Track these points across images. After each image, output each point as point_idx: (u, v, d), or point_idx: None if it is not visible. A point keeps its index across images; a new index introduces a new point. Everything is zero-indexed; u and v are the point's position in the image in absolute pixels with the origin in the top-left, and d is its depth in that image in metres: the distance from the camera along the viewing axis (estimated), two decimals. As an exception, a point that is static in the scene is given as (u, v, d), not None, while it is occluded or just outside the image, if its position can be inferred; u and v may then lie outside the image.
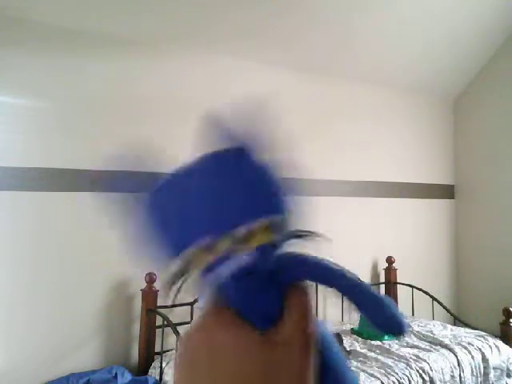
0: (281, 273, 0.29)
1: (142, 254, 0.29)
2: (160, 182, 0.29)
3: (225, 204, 0.27)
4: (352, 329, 2.49)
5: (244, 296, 0.28)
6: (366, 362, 2.03)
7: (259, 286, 0.28)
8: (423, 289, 2.83)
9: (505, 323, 2.36)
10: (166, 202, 0.29)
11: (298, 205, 0.29)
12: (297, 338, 0.26)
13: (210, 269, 0.27)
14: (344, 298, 0.29)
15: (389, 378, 1.87)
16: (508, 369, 2.25)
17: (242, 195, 0.27)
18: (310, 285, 0.29)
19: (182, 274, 0.28)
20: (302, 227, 0.29)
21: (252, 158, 0.29)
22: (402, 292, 2.95)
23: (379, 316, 0.28)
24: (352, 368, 1.95)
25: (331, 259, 0.30)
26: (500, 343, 2.30)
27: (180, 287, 0.29)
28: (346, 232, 2.89)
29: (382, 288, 3.02)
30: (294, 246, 0.30)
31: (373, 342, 2.28)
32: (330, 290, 0.29)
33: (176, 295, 0.29)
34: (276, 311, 0.28)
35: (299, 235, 0.29)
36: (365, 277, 2.95)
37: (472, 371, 2.13)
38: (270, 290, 0.28)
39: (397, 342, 2.31)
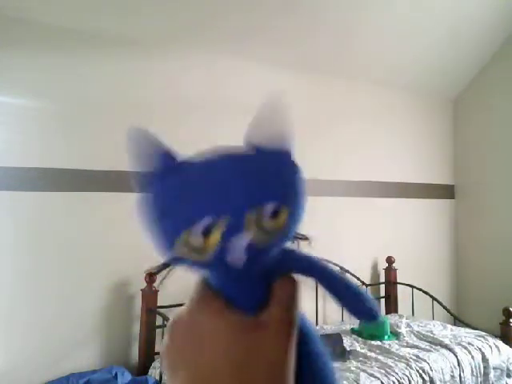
0: (271, 263, 0.28)
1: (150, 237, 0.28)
2: (167, 167, 0.28)
3: (226, 190, 0.26)
4: (352, 329, 2.49)
5: (233, 283, 0.28)
6: (366, 362, 2.03)
7: (249, 274, 0.28)
8: (423, 289, 2.82)
9: (505, 323, 2.36)
10: (170, 187, 0.27)
11: (300, 200, 0.28)
12: (278, 324, 0.27)
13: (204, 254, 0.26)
14: (324, 289, 0.30)
15: (389, 378, 1.87)
16: (508, 369, 2.25)
17: (245, 182, 0.26)
18: (302, 278, 0.30)
19: (173, 260, 0.28)
20: (299, 224, 0.29)
21: (264, 152, 0.28)
22: (402, 292, 2.95)
23: (356, 305, 0.29)
24: (352, 368, 1.95)
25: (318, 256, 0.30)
26: (500, 343, 2.30)
27: (167, 273, 0.29)
28: (346, 232, 2.89)
29: (382, 288, 3.02)
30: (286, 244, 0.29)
31: (373, 342, 2.28)
32: (311, 280, 0.29)
33: (162, 280, 0.29)
34: (263, 299, 0.28)
35: (294, 236, 0.29)
36: (365, 277, 2.95)
37: (472, 371, 2.13)
38: (258, 278, 0.29)
39: (397, 341, 2.32)
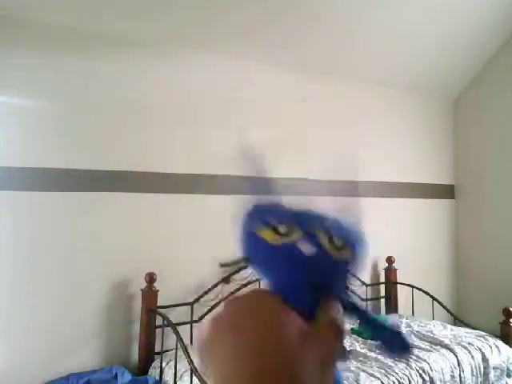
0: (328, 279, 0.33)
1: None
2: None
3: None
4: (352, 329, 2.49)
5: (295, 288, 0.32)
6: (366, 362, 2.03)
7: (310, 284, 0.32)
8: (423, 289, 2.82)
9: (505, 323, 2.36)
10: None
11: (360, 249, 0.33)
12: (329, 332, 0.30)
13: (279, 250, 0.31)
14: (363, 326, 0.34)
15: (389, 378, 1.87)
16: (508, 369, 2.25)
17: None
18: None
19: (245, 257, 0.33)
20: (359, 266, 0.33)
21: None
22: (402, 292, 2.95)
23: (394, 344, 0.34)
24: (352, 368, 1.95)
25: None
26: (500, 343, 2.30)
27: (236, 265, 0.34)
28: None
29: (382, 288, 3.02)
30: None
31: (373, 342, 2.28)
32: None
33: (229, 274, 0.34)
34: (312, 309, 0.32)
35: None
36: (365, 277, 2.95)
37: (472, 371, 2.13)
38: (313, 287, 0.32)
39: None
